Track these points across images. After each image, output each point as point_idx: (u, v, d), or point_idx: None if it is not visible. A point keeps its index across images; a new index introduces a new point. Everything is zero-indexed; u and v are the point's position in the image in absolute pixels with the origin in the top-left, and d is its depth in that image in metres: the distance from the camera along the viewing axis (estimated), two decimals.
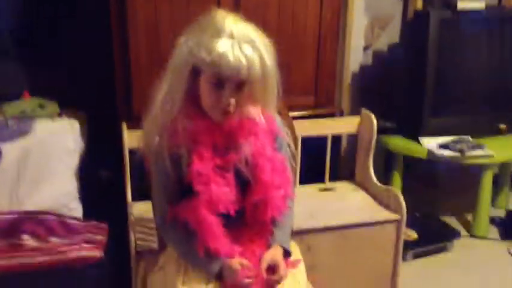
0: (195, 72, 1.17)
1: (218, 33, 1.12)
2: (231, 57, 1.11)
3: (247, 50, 1.12)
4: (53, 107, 2.00)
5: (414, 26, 2.51)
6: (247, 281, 1.21)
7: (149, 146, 1.26)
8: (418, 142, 2.45)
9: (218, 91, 1.16)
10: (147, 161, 1.43)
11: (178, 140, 1.20)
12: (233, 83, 1.15)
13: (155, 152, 1.24)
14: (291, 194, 1.34)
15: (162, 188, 1.27)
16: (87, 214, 1.85)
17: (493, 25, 2.49)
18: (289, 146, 1.36)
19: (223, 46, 1.11)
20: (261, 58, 1.14)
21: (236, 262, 1.22)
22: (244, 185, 1.25)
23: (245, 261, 1.23)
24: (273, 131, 1.29)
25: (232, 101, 1.16)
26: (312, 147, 2.12)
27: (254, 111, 1.25)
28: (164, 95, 1.21)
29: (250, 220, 1.29)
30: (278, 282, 1.24)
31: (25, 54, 2.08)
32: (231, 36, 1.12)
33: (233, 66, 1.11)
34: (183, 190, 1.24)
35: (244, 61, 1.11)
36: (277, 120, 1.32)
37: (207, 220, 1.21)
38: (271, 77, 1.19)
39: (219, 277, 1.23)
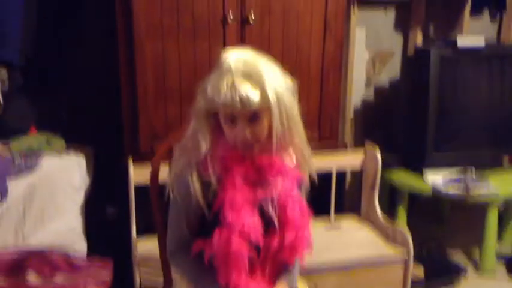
0: (215, 113, 1.20)
1: (221, 72, 1.16)
2: (222, 93, 1.13)
3: (242, 84, 1.13)
4: (59, 142, 2.01)
5: (415, 62, 2.55)
6: None
7: (176, 174, 1.25)
8: (422, 175, 2.44)
9: (234, 126, 1.18)
10: (154, 195, 1.42)
11: (208, 168, 1.20)
12: (243, 116, 1.16)
13: (183, 179, 1.22)
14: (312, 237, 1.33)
15: (183, 217, 1.26)
16: (92, 250, 1.84)
17: (492, 61, 2.53)
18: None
19: (220, 83, 1.14)
20: (263, 89, 1.14)
21: None
22: (265, 225, 1.24)
23: None
24: (298, 175, 1.28)
25: (247, 133, 1.16)
26: (316, 182, 2.11)
27: (285, 154, 1.25)
28: (191, 135, 1.23)
29: (270, 263, 1.28)
30: None
31: (32, 90, 2.09)
32: (230, 72, 1.15)
33: (227, 101, 1.13)
34: (205, 222, 1.23)
35: (235, 96, 1.13)
36: (307, 159, 1.29)
37: (239, 250, 1.19)
38: (282, 108, 1.17)
39: None
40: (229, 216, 1.18)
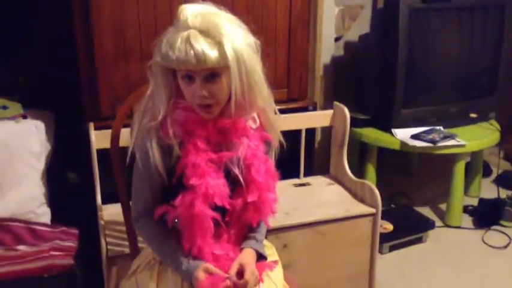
0: (174, 71, 1.16)
1: (177, 26, 1.12)
2: (176, 48, 1.09)
3: (198, 40, 1.08)
4: (16, 107, 1.92)
5: (384, 15, 2.50)
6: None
7: (136, 139, 1.21)
8: (391, 133, 2.46)
9: (191, 85, 1.14)
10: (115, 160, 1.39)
11: (169, 132, 1.16)
12: (200, 74, 1.12)
13: (143, 147, 1.19)
14: (277, 199, 1.32)
15: (146, 183, 1.23)
16: (56, 219, 1.79)
17: (462, 14, 2.50)
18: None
19: (175, 39, 1.10)
20: (220, 46, 1.09)
21: (201, 271, 1.19)
22: (232, 186, 1.22)
23: (213, 269, 1.20)
24: (263, 135, 1.26)
25: (204, 92, 1.12)
26: (286, 142, 2.09)
27: (248, 116, 1.21)
28: (148, 98, 1.20)
29: (233, 223, 1.26)
30: (244, 286, 1.20)
31: None
32: (187, 28, 1.10)
33: (179, 56, 1.09)
34: (169, 187, 1.21)
35: (191, 51, 1.08)
36: (271, 120, 1.26)
37: (203, 213, 1.17)
38: (242, 67, 1.12)
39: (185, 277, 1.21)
40: (192, 179, 1.16)
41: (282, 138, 1.32)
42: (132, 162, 1.24)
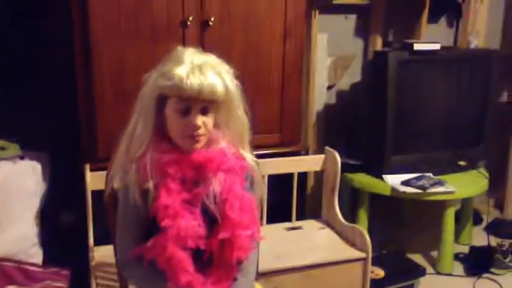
0: (161, 105, 1.20)
1: (179, 62, 1.18)
2: (191, 78, 1.15)
3: (208, 72, 1.17)
4: (14, 148, 1.95)
5: (374, 66, 2.60)
6: None
7: (117, 182, 1.25)
8: (382, 179, 2.49)
9: (185, 117, 1.19)
10: (110, 202, 1.41)
11: (146, 175, 1.19)
12: (198, 106, 1.18)
13: (123, 187, 1.22)
14: (257, 236, 1.33)
15: (127, 225, 1.25)
16: (48, 259, 1.79)
17: (449, 65, 2.60)
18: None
19: (183, 70, 1.16)
20: (224, 82, 1.19)
21: None
22: (210, 223, 1.23)
23: None
24: (243, 168, 1.28)
25: (199, 122, 1.18)
26: (278, 186, 2.13)
27: (225, 147, 1.26)
28: (132, 130, 1.23)
29: (217, 260, 1.26)
30: None
31: None
32: (191, 63, 1.17)
33: (194, 86, 1.15)
34: (147, 228, 1.22)
35: (205, 81, 1.15)
36: (249, 158, 1.31)
37: (176, 256, 1.18)
38: (234, 104, 1.22)
39: None
40: (165, 221, 1.18)
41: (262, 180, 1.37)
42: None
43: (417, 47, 2.49)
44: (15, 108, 2.09)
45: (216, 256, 1.26)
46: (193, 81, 1.15)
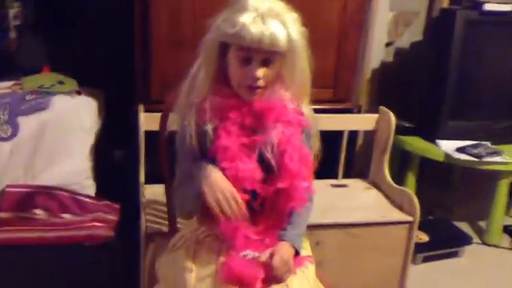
0: (224, 51, 1.18)
1: (243, 8, 1.14)
2: (252, 28, 1.11)
3: (271, 21, 1.12)
4: (72, 83, 2.01)
5: (439, 24, 2.46)
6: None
7: (175, 124, 1.26)
8: (436, 144, 2.41)
9: (245, 66, 1.16)
10: (162, 142, 1.44)
11: (205, 117, 1.19)
12: (259, 56, 1.15)
13: (182, 127, 1.23)
14: (312, 189, 1.32)
15: (187, 161, 1.25)
16: (100, 193, 1.86)
17: None
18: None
19: (245, 18, 1.12)
20: (287, 32, 1.14)
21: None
22: (266, 171, 1.23)
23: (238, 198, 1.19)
24: (301, 123, 1.26)
25: (260, 73, 1.15)
26: (327, 142, 2.09)
27: (286, 97, 1.23)
28: (195, 74, 1.22)
29: (269, 208, 1.27)
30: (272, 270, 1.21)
31: (48, 30, 2.08)
32: (255, 10, 1.13)
33: (255, 35, 1.11)
34: None
35: (266, 31, 1.11)
36: (308, 112, 1.28)
37: None
38: (299, 56, 1.18)
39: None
40: (223, 163, 1.18)
41: (318, 135, 1.33)
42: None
43: (489, 7, 2.33)
44: (75, 46, 2.13)
45: (268, 204, 1.26)
46: (254, 30, 1.11)
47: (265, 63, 1.16)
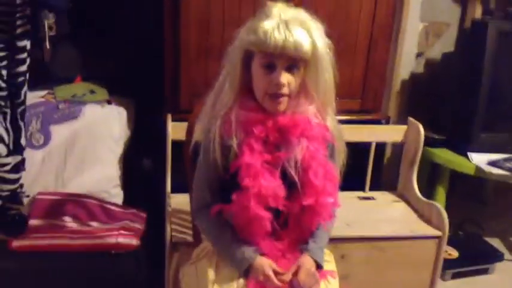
0: (248, 62, 1.19)
1: (267, 16, 1.15)
2: (276, 33, 1.12)
3: (295, 28, 1.13)
4: (103, 93, 2.05)
5: (471, 36, 2.42)
6: (275, 284, 1.18)
7: (200, 135, 1.27)
8: (467, 157, 2.36)
9: (269, 74, 1.16)
10: (188, 152, 1.45)
11: (230, 130, 1.19)
12: (283, 63, 1.15)
13: (206, 141, 1.24)
14: (338, 204, 1.31)
15: (205, 177, 1.27)
16: (128, 201, 1.88)
17: None
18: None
19: (269, 24, 1.13)
20: (312, 39, 1.14)
21: (269, 266, 1.20)
22: (289, 187, 1.22)
23: (277, 268, 1.21)
24: (325, 137, 1.25)
25: (284, 79, 1.15)
26: (355, 154, 2.07)
27: (310, 111, 1.23)
28: (220, 86, 1.23)
29: (293, 225, 1.26)
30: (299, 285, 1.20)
31: (81, 40, 2.13)
32: (279, 17, 1.14)
33: (279, 41, 1.11)
34: (226, 183, 1.23)
35: (290, 37, 1.12)
36: (333, 125, 1.27)
37: (257, 214, 1.18)
38: (323, 66, 1.17)
39: (246, 273, 1.22)
40: (246, 180, 1.18)
41: (344, 148, 1.31)
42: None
43: None
44: (106, 56, 2.18)
45: (293, 221, 1.25)
46: (278, 36, 1.11)
47: (289, 70, 1.16)
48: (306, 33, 1.13)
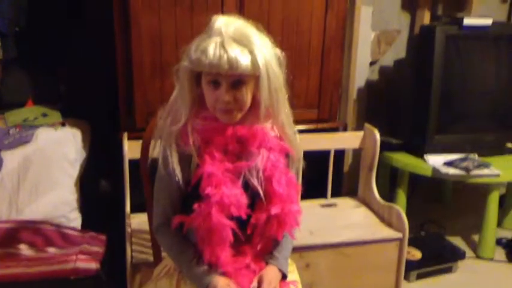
0: (198, 77, 1.19)
1: (208, 34, 1.15)
2: (211, 52, 1.11)
3: (230, 46, 1.12)
4: (55, 115, 2.01)
5: (420, 41, 2.49)
6: None
7: (156, 150, 1.26)
8: (423, 159, 2.42)
9: (215, 90, 1.16)
10: (145, 170, 1.43)
11: (188, 141, 1.18)
12: (226, 80, 1.14)
13: (163, 153, 1.22)
14: (301, 212, 1.30)
15: (164, 191, 1.25)
16: (86, 224, 1.84)
17: (500, 41, 2.47)
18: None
19: (207, 43, 1.13)
20: (252, 55, 1.13)
21: (224, 285, 1.19)
22: (251, 198, 1.21)
23: (234, 286, 1.20)
24: (283, 148, 1.25)
25: (227, 97, 1.15)
26: (314, 162, 2.09)
27: (266, 127, 1.23)
28: (173, 101, 1.23)
29: (257, 236, 1.25)
30: None
31: (30, 63, 2.09)
32: (220, 35, 1.13)
33: (213, 60, 1.11)
34: (186, 195, 1.22)
35: (224, 56, 1.11)
36: (290, 136, 1.26)
37: (220, 222, 1.16)
38: (271, 79, 1.16)
39: None
40: (208, 189, 1.16)
41: (300, 154, 1.31)
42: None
43: (467, 22, 2.37)
44: (58, 78, 2.14)
45: (258, 231, 1.24)
46: (213, 55, 1.11)
47: (236, 86, 1.16)
48: (244, 49, 1.12)
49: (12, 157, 1.81)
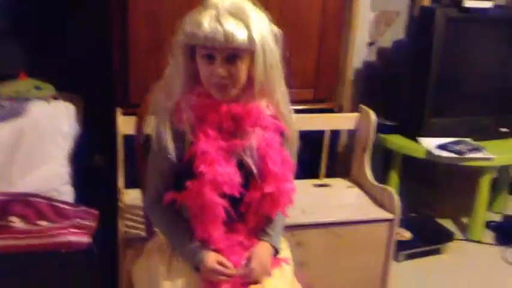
0: (193, 51, 1.17)
1: (204, 7, 1.14)
2: (206, 25, 1.10)
3: (226, 19, 1.11)
4: (49, 88, 1.98)
5: (420, 23, 2.48)
6: (221, 278, 1.19)
7: (151, 126, 1.26)
8: (417, 142, 2.42)
9: (210, 64, 1.15)
10: (139, 145, 1.43)
11: (182, 117, 1.18)
12: (221, 54, 1.13)
13: (157, 130, 1.21)
14: (295, 190, 1.31)
15: (158, 167, 1.25)
16: (78, 199, 1.84)
17: (500, 24, 2.45)
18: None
19: (203, 16, 1.12)
20: (248, 29, 1.12)
21: (214, 261, 1.20)
22: (245, 176, 1.22)
23: (225, 261, 1.21)
24: (278, 127, 1.25)
25: (222, 71, 1.14)
26: (309, 142, 2.09)
27: (263, 105, 1.22)
28: (168, 76, 1.22)
29: (250, 213, 1.26)
30: (250, 275, 1.21)
31: (24, 35, 2.05)
32: (216, 8, 1.12)
33: (209, 33, 1.10)
34: (179, 172, 1.22)
35: (220, 29, 1.10)
36: (286, 115, 1.26)
37: (212, 200, 1.17)
38: (267, 55, 1.15)
39: (197, 269, 1.22)
40: (201, 166, 1.16)
41: (296, 132, 1.31)
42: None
43: (468, 4, 2.35)
44: (52, 51, 2.11)
45: (252, 210, 1.24)
46: (207, 28, 1.10)
47: (230, 60, 1.14)
48: (241, 23, 1.11)
49: (5, 130, 1.79)
